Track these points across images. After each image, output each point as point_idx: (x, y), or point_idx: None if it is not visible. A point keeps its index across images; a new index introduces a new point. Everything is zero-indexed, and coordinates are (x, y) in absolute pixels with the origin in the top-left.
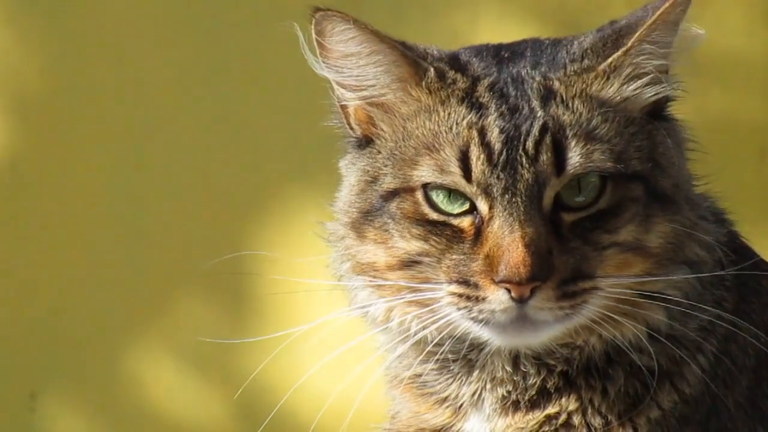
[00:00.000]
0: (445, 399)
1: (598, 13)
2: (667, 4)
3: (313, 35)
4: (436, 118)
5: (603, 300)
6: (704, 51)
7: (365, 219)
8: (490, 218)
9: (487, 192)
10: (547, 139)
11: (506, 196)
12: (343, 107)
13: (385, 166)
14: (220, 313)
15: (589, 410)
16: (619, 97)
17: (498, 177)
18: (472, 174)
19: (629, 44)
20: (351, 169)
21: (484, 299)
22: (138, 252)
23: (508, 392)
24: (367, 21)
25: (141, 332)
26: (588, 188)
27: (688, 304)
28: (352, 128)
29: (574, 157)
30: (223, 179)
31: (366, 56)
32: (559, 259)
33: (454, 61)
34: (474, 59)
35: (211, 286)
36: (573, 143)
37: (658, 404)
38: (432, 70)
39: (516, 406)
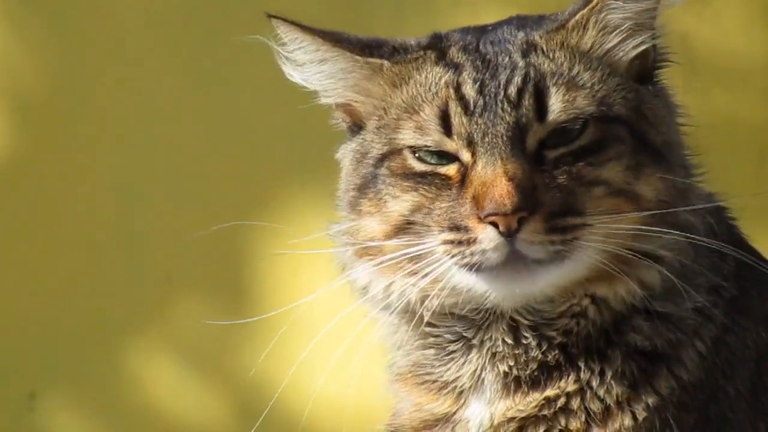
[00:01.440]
0: (446, 385)
1: None
2: None
3: (279, 48)
4: (413, 82)
5: (597, 244)
6: (704, 51)
7: (360, 194)
8: (474, 162)
9: (469, 141)
10: (529, 86)
11: (486, 138)
12: (329, 99)
13: (373, 139)
14: (219, 313)
15: (588, 393)
16: (600, 50)
17: (476, 123)
18: (453, 128)
19: (594, 1)
20: (345, 156)
21: (474, 240)
22: (138, 252)
23: (510, 368)
24: (322, 25)
25: (141, 332)
26: (571, 131)
27: (682, 275)
28: (342, 119)
29: (556, 103)
30: (224, 179)
31: (320, 63)
32: (545, 194)
33: (433, 35)
34: (455, 34)
35: (211, 286)
36: (554, 90)
37: (656, 390)
38: (386, 63)
39: (517, 383)
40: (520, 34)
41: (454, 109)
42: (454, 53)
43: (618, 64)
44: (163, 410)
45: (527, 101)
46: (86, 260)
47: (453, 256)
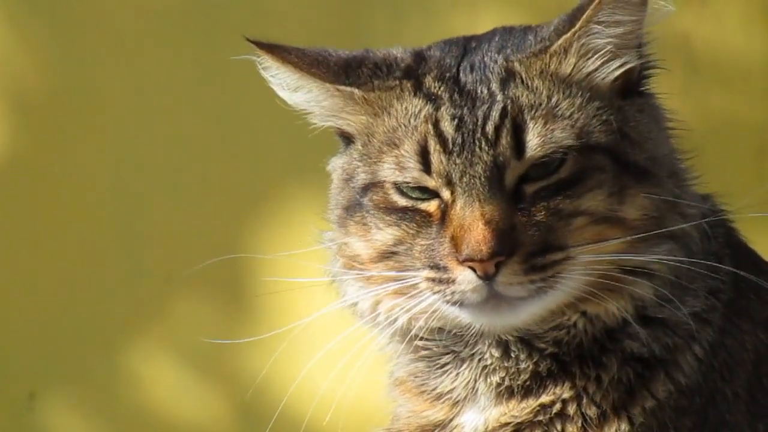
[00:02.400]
0: (441, 395)
1: None
2: None
3: (263, 71)
4: (394, 113)
5: (581, 273)
6: (704, 51)
7: (347, 214)
8: (453, 201)
9: (448, 180)
10: (507, 123)
11: (464, 178)
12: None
13: (358, 165)
14: (219, 313)
15: (584, 399)
16: (580, 73)
17: (455, 163)
18: (432, 166)
19: (577, 26)
20: (334, 170)
21: (453, 281)
22: (138, 252)
23: (502, 379)
24: (299, 45)
25: (141, 332)
26: (550, 164)
27: (678, 284)
28: (334, 130)
29: (534, 140)
30: (224, 179)
31: (296, 89)
32: (524, 233)
33: (410, 63)
34: (436, 52)
35: (211, 286)
36: (532, 125)
37: (653, 394)
38: (357, 92)
39: (510, 392)
40: (500, 59)
41: (433, 146)
42: (432, 83)
43: (599, 86)
44: (162, 410)
45: (505, 139)
46: (86, 260)
47: (435, 293)
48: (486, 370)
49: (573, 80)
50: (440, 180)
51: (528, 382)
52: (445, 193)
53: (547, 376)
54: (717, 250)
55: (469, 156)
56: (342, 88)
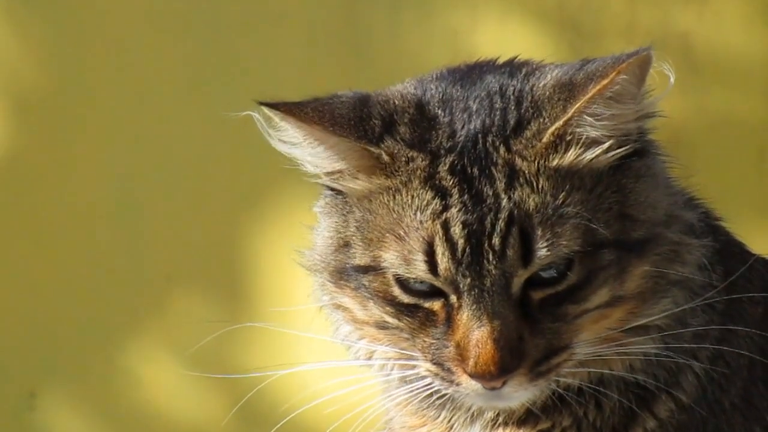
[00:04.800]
0: (438, 421)
1: (598, 13)
2: (604, 81)
3: (265, 125)
4: (400, 199)
5: (579, 361)
6: (704, 51)
7: (341, 276)
8: (459, 307)
9: (454, 285)
10: (514, 232)
11: (473, 292)
12: (310, 172)
13: (355, 236)
14: (219, 313)
15: (584, 425)
16: (582, 164)
17: (464, 275)
18: (438, 269)
19: (569, 114)
20: (325, 220)
21: (458, 384)
22: (138, 251)
23: (496, 415)
24: (309, 109)
25: (141, 332)
26: (557, 266)
27: (679, 320)
28: (322, 179)
29: (542, 249)
30: (224, 179)
31: (316, 146)
32: (530, 343)
33: (417, 119)
34: (440, 113)
35: (211, 285)
36: (539, 232)
37: (655, 415)
38: (384, 155)
39: (506, 424)
40: (502, 149)
41: (441, 251)
42: (445, 175)
43: (599, 170)
44: (162, 410)
45: (512, 250)
46: (86, 260)
47: (436, 382)
48: (481, 409)
49: (574, 171)
50: (447, 284)
51: (523, 418)
52: (452, 297)
53: (543, 411)
54: (709, 261)
55: (477, 268)
56: (371, 148)
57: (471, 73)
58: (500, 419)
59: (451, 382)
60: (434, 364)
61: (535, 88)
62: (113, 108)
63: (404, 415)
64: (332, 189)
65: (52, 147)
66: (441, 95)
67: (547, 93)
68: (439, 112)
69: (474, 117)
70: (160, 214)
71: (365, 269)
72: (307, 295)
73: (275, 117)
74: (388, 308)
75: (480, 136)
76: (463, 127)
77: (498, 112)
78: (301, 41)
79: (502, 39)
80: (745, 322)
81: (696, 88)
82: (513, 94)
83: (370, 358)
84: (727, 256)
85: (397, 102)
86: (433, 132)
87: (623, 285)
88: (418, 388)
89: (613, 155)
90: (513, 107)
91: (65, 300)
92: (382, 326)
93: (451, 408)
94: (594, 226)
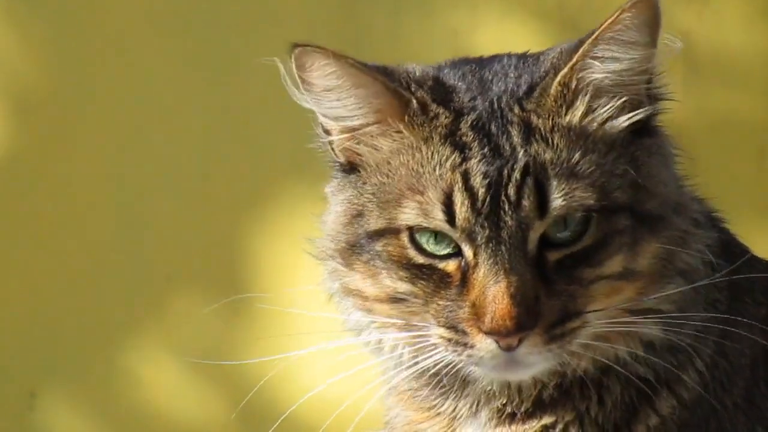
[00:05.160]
0: (441, 412)
1: (598, 13)
2: (608, 21)
3: (294, 70)
4: (419, 157)
5: (593, 330)
6: (704, 51)
7: (353, 251)
8: (475, 265)
9: (471, 238)
10: (529, 182)
11: (490, 244)
12: (328, 133)
13: (370, 202)
14: (219, 313)
15: (586, 420)
16: (595, 124)
17: (482, 225)
18: (456, 220)
19: (575, 59)
20: (337, 197)
21: (472, 346)
22: (138, 251)
23: (503, 405)
24: (346, 53)
25: (141, 332)
26: (573, 223)
27: (683, 312)
28: (336, 154)
29: (557, 199)
30: (224, 179)
31: (347, 89)
32: (546, 303)
33: (438, 87)
34: (459, 83)
35: (211, 285)
36: (555, 183)
37: (657, 411)
38: (414, 102)
39: (512, 417)
40: (517, 108)
41: (461, 200)
42: (465, 130)
43: (613, 135)
44: (162, 409)
45: (528, 200)
46: (86, 260)
47: (448, 350)
48: (489, 395)
49: (588, 132)
50: (464, 235)
51: (531, 409)
52: (468, 251)
53: (549, 403)
54: (712, 260)
55: (495, 219)
56: (403, 92)
57: (482, 59)
58: (507, 409)
59: (465, 345)
60: (448, 328)
61: (545, 59)
62: (113, 108)
63: (408, 410)
64: (343, 167)
65: (52, 147)
66: (458, 71)
67: (556, 58)
68: (458, 83)
69: (491, 85)
70: (160, 214)
71: (380, 233)
72: (307, 295)
73: (309, 58)
74: (401, 273)
75: (497, 99)
76: (481, 94)
77: (512, 80)
78: (301, 41)
79: (502, 39)
80: (747, 322)
81: (696, 88)
82: (526, 65)
83: (380, 342)
84: (732, 255)
85: (417, 72)
86: (454, 95)
87: (636, 259)
88: (428, 362)
89: (625, 119)
90: (526, 75)
91: (65, 300)
92: (393, 299)
93: (456, 397)
94: (608, 188)
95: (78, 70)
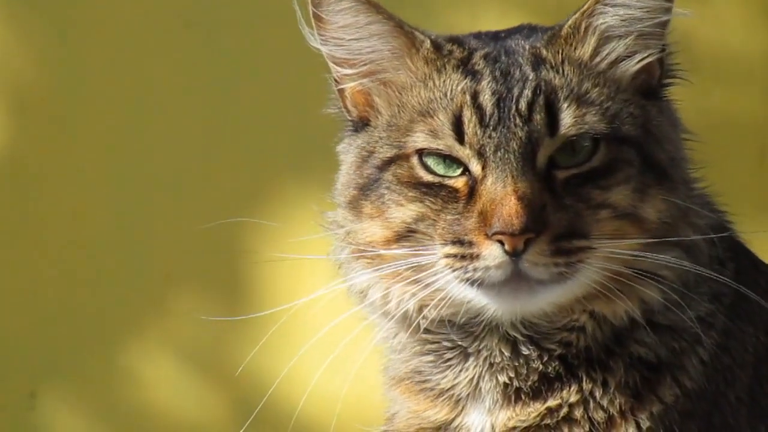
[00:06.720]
0: (443, 392)
1: None
2: None
3: (311, 8)
4: (432, 85)
5: (598, 267)
6: (704, 50)
7: (362, 194)
8: (483, 177)
9: (480, 153)
10: (540, 100)
11: (498, 153)
12: (341, 91)
13: (381, 138)
14: (218, 312)
15: (591, 403)
16: (603, 63)
17: (490, 136)
18: (465, 136)
19: (586, 6)
20: (348, 151)
21: (478, 256)
22: (138, 251)
23: (510, 379)
24: None
25: (140, 331)
26: (581, 150)
27: (684, 290)
28: (348, 111)
29: (567, 118)
30: (222, 177)
31: (363, 27)
32: (553, 214)
33: (452, 37)
34: (471, 39)
35: (211, 285)
36: (565, 105)
37: (660, 398)
38: (428, 41)
39: (518, 394)
40: (528, 45)
41: (469, 117)
42: (478, 60)
43: (623, 79)
44: (162, 409)
45: (539, 115)
46: (85, 259)
47: (455, 270)
48: (493, 368)
49: (598, 69)
50: (472, 152)
51: (536, 384)
52: (476, 168)
53: (555, 378)
54: (720, 254)
55: (504, 131)
56: (417, 33)
57: (497, 33)
58: (513, 384)
59: (471, 257)
60: (454, 243)
61: (558, 26)
62: (113, 108)
63: (410, 401)
64: (355, 124)
65: (52, 147)
66: (473, 37)
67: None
68: (472, 40)
69: (504, 42)
70: (160, 214)
71: (390, 161)
72: (308, 293)
73: None
74: (410, 194)
75: (511, 45)
76: (495, 43)
77: (524, 37)
78: (301, 41)
79: None
80: (754, 322)
81: (696, 88)
82: (542, 30)
83: (386, 297)
84: (738, 253)
85: (434, 35)
86: (466, 41)
87: (642, 202)
88: (434, 282)
89: (635, 62)
90: (539, 33)
91: (65, 300)
92: (401, 237)
93: (458, 370)
94: (618, 119)
95: (78, 70)
